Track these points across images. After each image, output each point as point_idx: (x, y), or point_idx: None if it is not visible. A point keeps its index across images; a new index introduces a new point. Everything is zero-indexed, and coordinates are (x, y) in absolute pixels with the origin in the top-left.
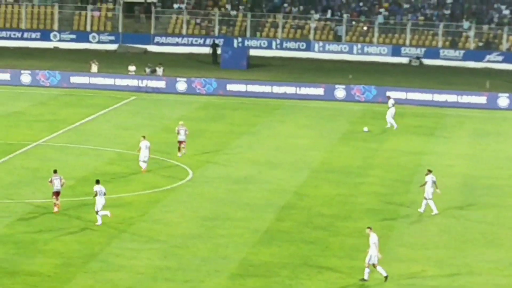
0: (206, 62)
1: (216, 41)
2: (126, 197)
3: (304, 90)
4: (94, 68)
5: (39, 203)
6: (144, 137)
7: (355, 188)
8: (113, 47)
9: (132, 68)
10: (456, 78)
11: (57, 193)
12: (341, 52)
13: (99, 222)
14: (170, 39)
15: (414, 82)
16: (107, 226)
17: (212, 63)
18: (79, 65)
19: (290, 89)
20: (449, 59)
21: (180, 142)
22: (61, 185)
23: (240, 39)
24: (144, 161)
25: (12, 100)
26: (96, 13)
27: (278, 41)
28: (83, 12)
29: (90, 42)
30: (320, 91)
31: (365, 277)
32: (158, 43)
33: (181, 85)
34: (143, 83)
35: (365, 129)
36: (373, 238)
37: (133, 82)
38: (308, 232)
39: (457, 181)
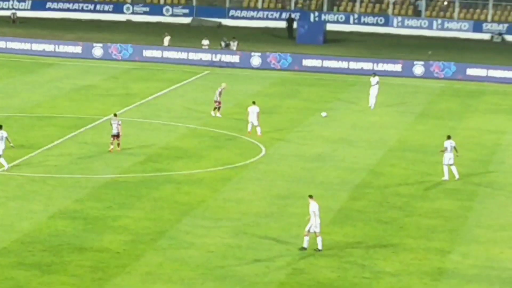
0: (282, 36)
1: (292, 15)
2: (198, 174)
3: (382, 66)
4: (166, 41)
5: (109, 179)
6: (254, 102)
7: (432, 167)
8: (187, 20)
9: (205, 42)
10: None
11: (115, 136)
12: (420, 27)
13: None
14: (245, 13)
15: (496, 59)
16: (177, 203)
17: (288, 38)
18: (152, 39)
19: (367, 65)
20: None
21: (216, 102)
22: (118, 129)
23: (316, 14)
24: (254, 125)
25: (84, 74)
26: None
27: (355, 16)
28: None
29: (163, 15)
30: (398, 67)
31: (305, 245)
32: (232, 17)
33: (256, 60)
34: (217, 57)
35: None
36: (313, 206)
37: (207, 57)
38: (383, 211)
39: None
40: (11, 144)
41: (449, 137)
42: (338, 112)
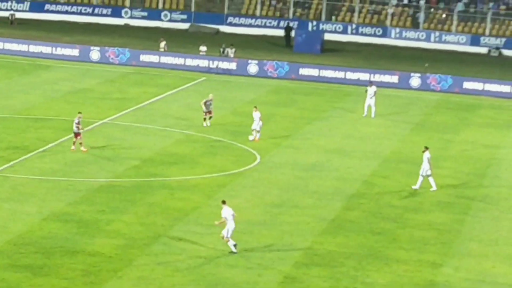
0: (279, 45)
1: (290, 24)
2: (192, 180)
3: (379, 77)
4: (162, 46)
5: (103, 183)
6: (256, 107)
7: (426, 180)
8: (185, 26)
9: (203, 48)
10: None
11: (76, 135)
12: (418, 39)
13: None
14: (243, 20)
15: (493, 73)
16: (171, 209)
17: (285, 46)
18: (149, 43)
19: (364, 76)
20: None
21: (205, 113)
22: (78, 128)
23: (314, 23)
24: (257, 130)
25: (80, 77)
26: None
27: (353, 26)
28: None
29: (161, 20)
30: (395, 78)
31: (234, 250)
32: (230, 24)
33: (253, 68)
34: (214, 64)
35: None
36: (225, 212)
37: (204, 63)
38: (376, 222)
39: None
40: None
41: (426, 148)
42: (333, 122)
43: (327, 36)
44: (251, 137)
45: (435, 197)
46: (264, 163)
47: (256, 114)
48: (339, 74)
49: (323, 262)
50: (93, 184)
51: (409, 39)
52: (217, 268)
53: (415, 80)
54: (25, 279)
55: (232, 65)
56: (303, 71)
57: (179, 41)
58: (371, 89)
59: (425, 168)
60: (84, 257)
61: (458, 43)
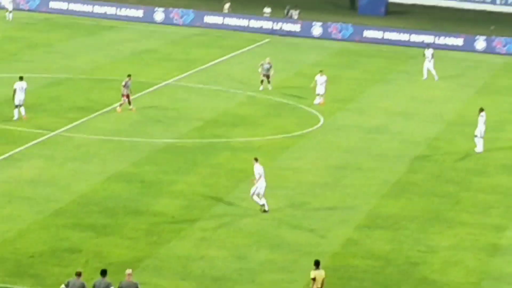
0: (344, 6)
1: None
2: (256, 142)
3: (443, 40)
4: (226, 8)
5: (167, 143)
6: (321, 71)
7: (491, 143)
8: None
9: (267, 10)
10: None
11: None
12: (483, 2)
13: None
14: None
15: None
16: (234, 170)
17: (350, 8)
18: (213, 4)
19: (428, 38)
20: None
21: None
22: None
23: None
24: (321, 95)
25: (145, 38)
26: None
27: None
28: None
29: None
30: (459, 41)
31: (266, 208)
32: None
33: (317, 30)
34: (278, 25)
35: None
36: (258, 169)
37: (268, 24)
38: (439, 185)
39: None
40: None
41: (482, 110)
42: (397, 85)
43: None
44: (316, 101)
45: (499, 160)
46: (327, 125)
47: (322, 78)
48: (404, 37)
49: (386, 225)
50: (156, 144)
51: (474, 1)
52: (279, 229)
53: (480, 43)
54: (89, 238)
55: (296, 27)
56: (367, 33)
57: (243, 2)
58: (428, 52)
59: (481, 129)
60: (147, 217)
61: None
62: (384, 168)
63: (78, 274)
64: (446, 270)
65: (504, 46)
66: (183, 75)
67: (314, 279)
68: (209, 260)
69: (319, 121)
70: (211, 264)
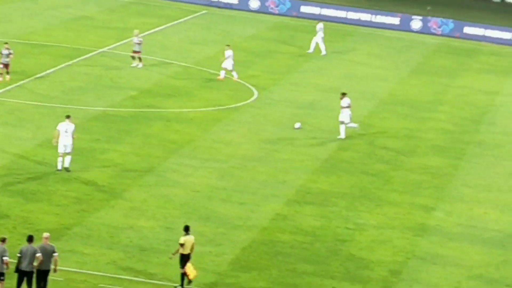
0: None
1: None
2: (188, 113)
3: (380, 18)
4: None
5: (100, 111)
6: (228, 45)
7: (422, 123)
8: None
9: None
10: None
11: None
12: None
13: None
14: None
15: (494, 19)
16: (166, 140)
17: None
18: None
19: (365, 16)
20: None
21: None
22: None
23: None
24: (229, 70)
25: (82, 4)
26: None
27: None
28: None
29: None
30: (396, 20)
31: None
32: None
33: (254, 3)
34: None
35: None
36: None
37: None
38: (370, 164)
39: None
40: None
41: (344, 94)
42: (332, 61)
43: None
44: (221, 76)
45: (430, 141)
46: (261, 99)
47: (228, 52)
48: (341, 14)
49: (316, 201)
50: (89, 112)
51: None
52: (210, 202)
53: (416, 23)
54: (17, 204)
55: (234, 0)
56: (305, 9)
57: None
58: (319, 26)
59: (345, 114)
60: (77, 185)
61: None
62: (316, 144)
63: (2, 240)
64: (373, 248)
65: (439, 27)
66: (118, 43)
67: (182, 245)
68: (137, 230)
69: (253, 94)
70: (139, 234)
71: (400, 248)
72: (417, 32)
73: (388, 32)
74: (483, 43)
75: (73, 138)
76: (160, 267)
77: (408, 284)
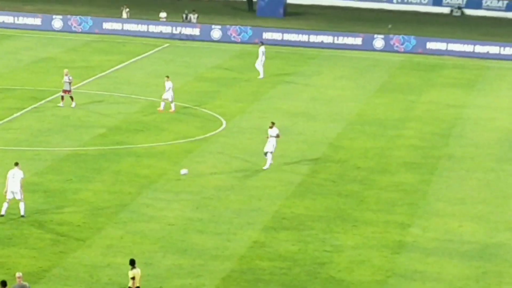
0: (242, 9)
1: None
2: (158, 147)
3: (342, 40)
4: (125, 13)
5: (69, 151)
6: (168, 77)
7: (392, 141)
8: None
9: (163, 14)
10: (499, 29)
11: None
12: (380, 1)
13: None
14: None
15: (455, 33)
16: (138, 176)
17: (248, 11)
18: (111, 11)
19: (327, 39)
20: (492, 9)
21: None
22: None
23: None
24: (169, 101)
25: (43, 46)
26: None
27: None
28: None
29: None
30: (358, 40)
31: (2, 212)
32: None
33: (216, 33)
34: (177, 30)
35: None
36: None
37: (167, 29)
38: (343, 185)
39: (498, 135)
40: None
41: (273, 124)
42: (298, 86)
43: (290, 0)
44: (161, 108)
45: (401, 158)
46: (229, 128)
47: (168, 84)
48: (303, 38)
49: (292, 226)
50: (59, 153)
51: (371, 0)
52: (185, 234)
53: (378, 42)
54: None
55: (196, 31)
56: (267, 35)
57: (141, 7)
58: (260, 50)
59: (272, 144)
60: (53, 227)
61: (420, 3)
62: (288, 170)
63: None
64: (352, 269)
65: (402, 44)
66: (83, 83)
67: (133, 278)
68: (116, 268)
69: (221, 124)
70: (118, 271)
71: (379, 267)
72: (380, 50)
73: (351, 53)
74: (446, 57)
75: (21, 185)
76: None
77: None
